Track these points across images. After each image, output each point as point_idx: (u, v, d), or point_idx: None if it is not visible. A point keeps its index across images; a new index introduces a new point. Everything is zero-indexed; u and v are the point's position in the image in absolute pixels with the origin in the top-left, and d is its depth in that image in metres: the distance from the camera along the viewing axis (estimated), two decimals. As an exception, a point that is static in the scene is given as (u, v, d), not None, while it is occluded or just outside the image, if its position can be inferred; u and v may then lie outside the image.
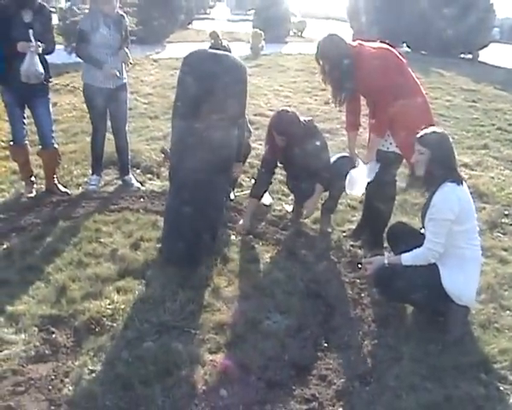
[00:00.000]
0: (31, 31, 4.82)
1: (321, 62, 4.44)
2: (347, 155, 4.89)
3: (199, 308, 3.74)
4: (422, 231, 3.82)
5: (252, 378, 3.14)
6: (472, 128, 9.24)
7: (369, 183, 4.52)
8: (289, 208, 5.37)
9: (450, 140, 3.69)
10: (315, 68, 5.51)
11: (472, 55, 20.16)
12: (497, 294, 4.11)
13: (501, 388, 3.20)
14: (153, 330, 3.46)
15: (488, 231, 5.14)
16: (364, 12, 19.93)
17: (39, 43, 4.85)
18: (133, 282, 3.98)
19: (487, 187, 6.24)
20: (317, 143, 4.83)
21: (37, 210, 5.14)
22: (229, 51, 4.75)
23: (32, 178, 5.55)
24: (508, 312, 3.91)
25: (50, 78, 5.27)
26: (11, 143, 5.40)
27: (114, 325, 3.51)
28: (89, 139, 6.02)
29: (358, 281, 4.22)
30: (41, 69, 4.91)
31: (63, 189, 5.61)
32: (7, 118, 5.39)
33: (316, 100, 10.59)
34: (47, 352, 3.25)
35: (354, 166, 4.63)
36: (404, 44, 20.53)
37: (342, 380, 3.19)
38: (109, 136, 5.93)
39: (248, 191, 5.26)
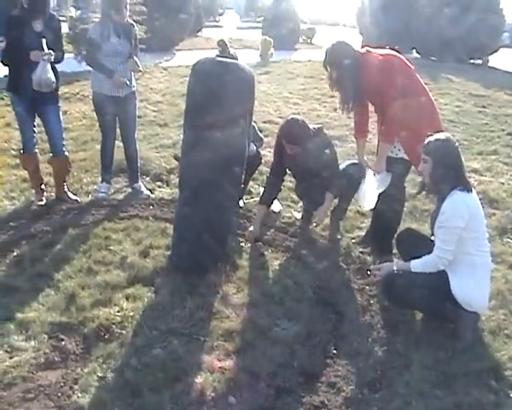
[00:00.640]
0: (44, 40, 4.86)
1: (329, 69, 4.45)
2: (356, 161, 4.89)
3: (208, 315, 3.74)
4: (432, 237, 3.81)
5: (261, 385, 3.13)
6: (482, 134, 9.20)
7: (379, 191, 4.51)
8: (298, 215, 5.37)
9: (456, 147, 3.65)
10: (324, 75, 5.52)
11: (482, 60, 20.07)
12: (507, 300, 4.08)
13: (511, 395, 3.18)
14: (162, 338, 3.46)
15: (498, 237, 5.11)
16: (374, 19, 19.93)
17: (51, 51, 4.90)
18: (142, 289, 3.99)
19: (497, 193, 6.21)
20: (327, 151, 4.81)
21: (47, 218, 5.17)
22: (236, 59, 4.78)
23: (42, 186, 5.58)
24: (518, 318, 3.89)
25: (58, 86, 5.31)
26: (21, 151, 5.44)
27: (123, 332, 3.51)
28: (98, 147, 6.04)
29: (368, 288, 4.21)
30: (53, 77, 4.95)
31: (73, 196, 5.64)
32: (17, 126, 5.43)
33: (325, 107, 10.60)
34: (56, 359, 3.26)
35: (364, 174, 4.62)
36: (414, 50, 20.50)
37: (351, 387, 3.18)
38: (119, 143, 5.96)
39: (257, 198, 5.27)
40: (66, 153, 5.59)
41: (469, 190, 3.57)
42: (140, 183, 6.00)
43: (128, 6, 5.42)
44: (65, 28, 8.60)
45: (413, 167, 4.51)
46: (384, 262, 4.12)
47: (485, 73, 17.48)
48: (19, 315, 3.60)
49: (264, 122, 8.76)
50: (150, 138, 7.86)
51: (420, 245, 3.87)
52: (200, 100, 4.22)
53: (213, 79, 4.17)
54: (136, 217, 5.25)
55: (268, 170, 5.33)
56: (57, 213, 5.28)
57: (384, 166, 4.47)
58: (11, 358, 3.23)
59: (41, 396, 2.98)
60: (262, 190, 5.17)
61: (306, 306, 3.95)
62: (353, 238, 5.04)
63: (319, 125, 5.04)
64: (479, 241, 3.60)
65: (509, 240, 5.13)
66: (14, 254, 4.46)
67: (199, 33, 25.34)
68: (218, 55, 4.74)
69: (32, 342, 3.37)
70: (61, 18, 5.53)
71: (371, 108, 4.71)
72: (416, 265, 3.67)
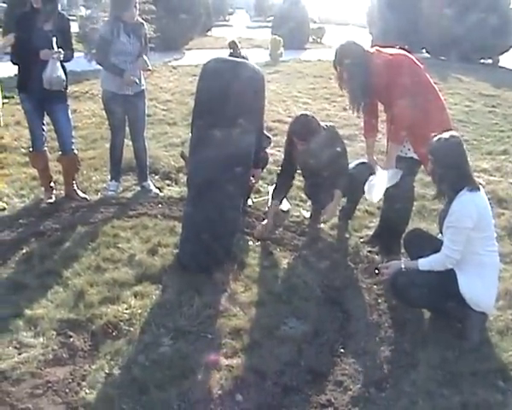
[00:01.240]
0: (54, 39, 4.89)
1: (338, 69, 4.45)
2: (366, 161, 4.88)
3: (215, 313, 3.75)
4: (440, 236, 3.80)
5: (268, 383, 3.14)
6: (491, 133, 9.17)
7: (387, 189, 4.49)
8: (307, 214, 5.37)
9: (460, 146, 3.60)
10: (333, 75, 5.52)
11: (492, 60, 19.99)
12: (515, 300, 4.07)
13: (519, 395, 3.17)
14: (169, 335, 3.47)
15: (507, 237, 5.08)
16: (383, 18, 19.88)
17: (60, 50, 4.92)
18: (150, 287, 4.01)
19: (506, 192, 6.17)
20: (338, 149, 4.80)
21: (56, 215, 5.19)
22: (247, 60, 4.79)
23: (52, 184, 5.61)
24: (527, 318, 3.87)
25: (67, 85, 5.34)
26: (31, 149, 5.47)
27: (131, 329, 3.53)
28: (108, 145, 6.07)
29: (375, 287, 4.21)
30: (63, 76, 4.99)
31: (82, 194, 5.67)
32: (27, 125, 5.46)
33: (334, 106, 10.59)
34: (64, 355, 3.28)
35: (373, 173, 4.61)
36: (424, 50, 20.44)
37: (358, 386, 3.18)
38: (128, 142, 5.98)
39: (266, 197, 5.26)
40: (76, 151, 5.61)
41: (477, 189, 3.55)
42: (149, 181, 6.02)
43: (138, 5, 5.44)
44: (75, 27, 8.62)
45: (422, 167, 4.50)
46: (392, 261, 4.11)
47: (495, 72, 17.41)
48: (27, 312, 3.62)
49: (274, 121, 8.76)
50: (159, 137, 7.88)
51: (427, 245, 3.86)
52: (209, 99, 4.22)
53: (223, 79, 4.18)
54: (145, 215, 5.27)
55: (276, 169, 5.32)
56: (66, 211, 5.30)
57: (394, 165, 4.45)
58: (20, 354, 3.25)
59: (49, 392, 2.99)
60: (271, 188, 5.16)
61: (314, 305, 3.95)
62: (361, 237, 5.03)
63: (331, 123, 5.03)
64: (487, 241, 3.59)
65: (517, 240, 5.11)
66: (24, 251, 4.49)
67: (208, 32, 25.36)
68: (229, 56, 4.76)
69: (41, 339, 3.39)
70: (71, 17, 5.54)
71: (381, 107, 4.70)
72: (424, 263, 3.67)
